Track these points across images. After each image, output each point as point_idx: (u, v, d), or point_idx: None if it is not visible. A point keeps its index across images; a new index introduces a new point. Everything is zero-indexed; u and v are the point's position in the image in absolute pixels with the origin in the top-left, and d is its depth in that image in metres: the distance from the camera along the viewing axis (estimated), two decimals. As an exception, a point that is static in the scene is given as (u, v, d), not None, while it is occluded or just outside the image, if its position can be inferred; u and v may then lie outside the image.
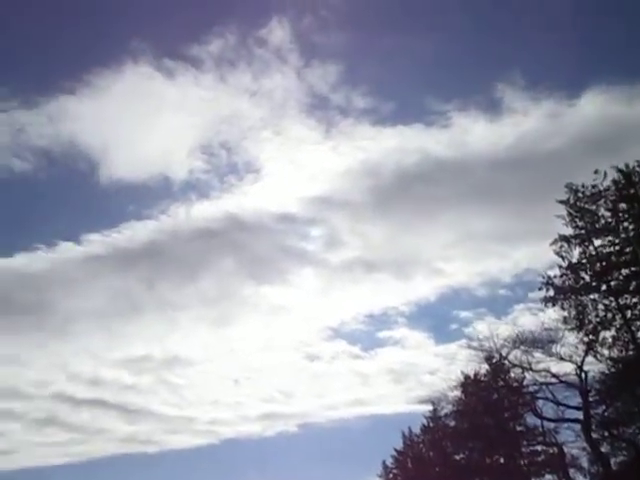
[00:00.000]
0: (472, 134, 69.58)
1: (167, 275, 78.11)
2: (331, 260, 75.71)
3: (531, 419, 33.15)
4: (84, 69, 79.55)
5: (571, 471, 31.92)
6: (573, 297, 25.26)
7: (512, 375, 32.18)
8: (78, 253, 72.99)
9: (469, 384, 33.83)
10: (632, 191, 24.09)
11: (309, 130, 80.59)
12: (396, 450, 40.71)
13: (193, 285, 76.88)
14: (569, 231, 25.46)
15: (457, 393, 34.87)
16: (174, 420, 72.08)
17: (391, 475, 40.99)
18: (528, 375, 30.56)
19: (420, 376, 67.02)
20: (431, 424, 38.55)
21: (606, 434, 28.00)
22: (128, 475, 70.21)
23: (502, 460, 34.34)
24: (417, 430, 40.30)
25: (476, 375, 34.00)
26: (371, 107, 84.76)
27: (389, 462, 41.12)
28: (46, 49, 79.47)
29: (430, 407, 38.18)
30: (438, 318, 74.92)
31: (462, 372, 34.27)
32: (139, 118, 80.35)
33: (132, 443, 71.12)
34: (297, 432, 67.46)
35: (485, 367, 33.09)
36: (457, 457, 37.13)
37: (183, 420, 70.01)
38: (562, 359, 27.80)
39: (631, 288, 24.53)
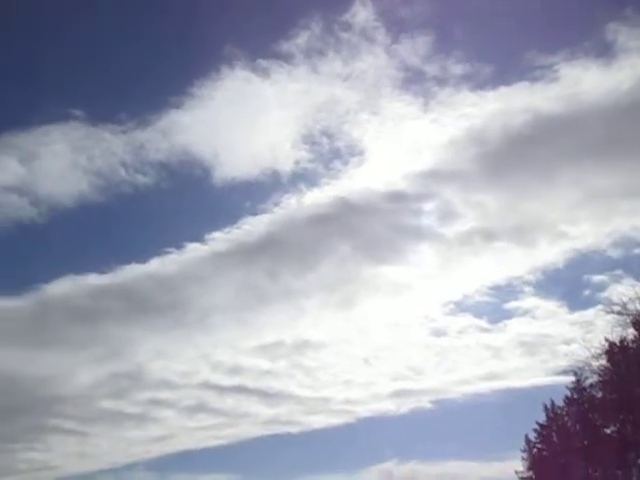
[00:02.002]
0: (584, 84, 64.06)
1: (288, 264, 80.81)
2: (447, 234, 73.82)
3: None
4: (187, 83, 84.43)
5: None
6: None
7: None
8: (204, 252, 78.14)
9: (615, 352, 31.59)
10: None
11: (407, 105, 78.70)
12: (539, 424, 39.04)
13: (314, 272, 78.85)
14: None
15: (602, 362, 32.78)
16: (311, 401, 75.19)
17: (535, 450, 39.43)
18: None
19: (555, 347, 63.66)
20: (575, 396, 36.54)
21: None
22: (275, 454, 74.74)
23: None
24: (559, 403, 38.53)
25: (622, 342, 31.70)
26: (469, 72, 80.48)
27: (532, 436, 39.61)
28: (151, 71, 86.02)
29: (572, 378, 36.30)
30: (569, 284, 70.59)
31: (606, 339, 32.11)
32: (242, 120, 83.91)
33: (275, 425, 75.30)
34: (431, 408, 67.21)
35: (632, 332, 30.73)
36: (607, 430, 35.07)
37: (319, 401, 72.70)
38: None
39: None
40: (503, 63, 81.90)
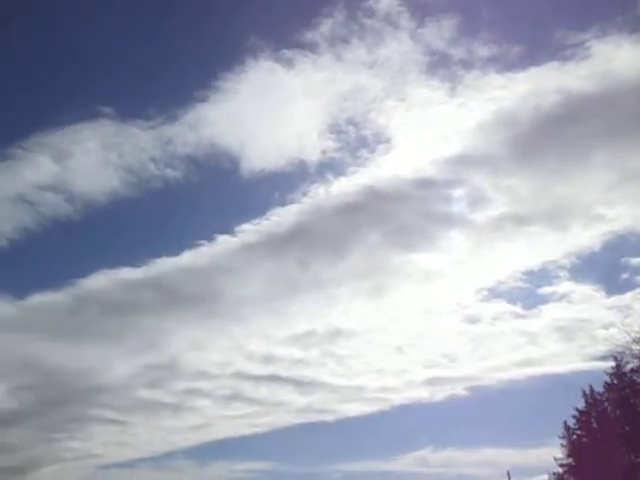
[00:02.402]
0: (616, 61, 61.94)
1: (318, 254, 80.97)
2: (478, 220, 72.75)
3: None
4: (212, 76, 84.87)
5: None
6: None
7: None
8: (234, 244, 78.91)
9: (657, 336, 30.76)
10: None
11: (433, 91, 77.43)
12: (578, 410, 38.38)
13: (344, 261, 78.80)
14: None
15: (643, 346, 31.97)
16: (344, 389, 75.61)
17: (574, 436, 38.80)
18: None
19: (593, 331, 62.43)
20: (615, 381, 35.78)
21: None
22: (310, 442, 75.65)
23: None
24: (598, 388, 37.79)
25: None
26: (496, 54, 78.61)
27: (571, 423, 38.99)
28: (176, 66, 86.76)
29: (611, 363, 35.50)
30: (605, 268, 68.92)
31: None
32: (268, 111, 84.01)
33: (309, 413, 76.08)
34: (466, 395, 66.80)
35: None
36: (650, 416, 34.23)
37: (353, 389, 73.00)
38: None
39: None
40: (532, 43, 79.77)
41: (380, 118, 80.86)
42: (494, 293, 73.13)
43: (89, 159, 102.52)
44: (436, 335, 77.72)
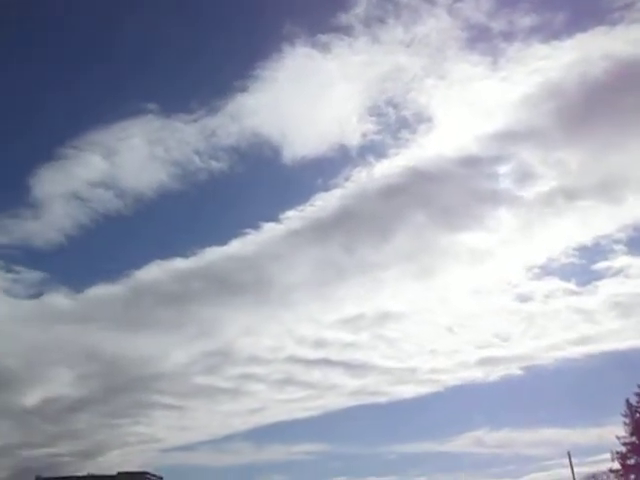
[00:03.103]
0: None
1: (363, 238, 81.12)
2: (526, 196, 71.02)
3: None
4: (250, 66, 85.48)
5: None
6: None
7: None
8: (280, 231, 79.94)
9: None
10: None
11: (474, 66, 75.61)
12: (640, 387, 37.33)
13: (390, 243, 78.82)
14: None
15: None
16: (396, 371, 75.95)
17: (638, 414, 37.71)
18: None
19: (652, 306, 60.47)
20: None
21: None
22: (365, 424, 76.67)
23: None
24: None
25: None
26: (539, 23, 75.94)
27: (634, 401, 37.83)
28: (214, 58, 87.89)
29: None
30: (664, 240, 66.56)
31: None
32: (307, 97, 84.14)
33: (362, 395, 76.98)
34: (521, 375, 66.08)
35: None
36: None
37: (405, 371, 73.30)
38: None
39: None
40: (576, 8, 76.68)
41: (420, 97, 79.59)
42: (546, 270, 71.58)
43: (136, 155, 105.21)
44: (487, 315, 77.11)
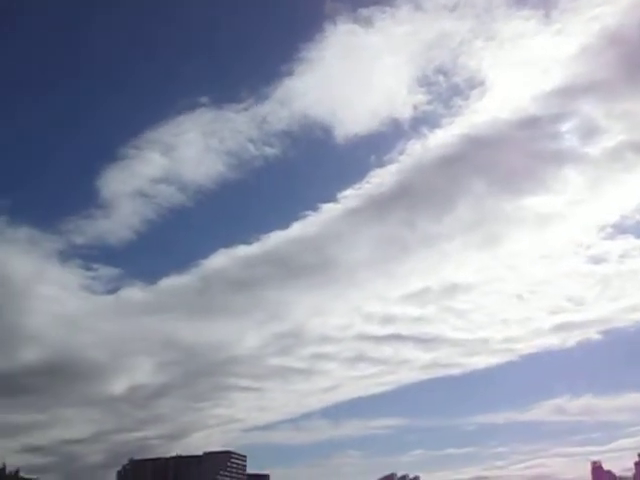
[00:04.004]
0: None
1: (423, 211, 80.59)
2: (592, 153, 67.93)
3: None
4: (294, 49, 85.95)
5: None
6: None
7: None
8: (339, 211, 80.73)
9: None
10: None
11: (525, 22, 72.50)
12: None
13: (451, 214, 77.99)
14: None
15: None
16: (468, 343, 75.60)
17: None
18: None
19: None
20: None
21: None
22: (439, 396, 77.10)
23: None
24: None
25: None
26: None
27: None
28: (259, 45, 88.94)
29: None
30: None
31: None
32: (354, 74, 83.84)
33: (434, 368, 77.32)
34: (600, 339, 63.99)
35: None
36: None
37: (477, 342, 72.82)
38: None
39: None
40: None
41: (470, 62, 77.27)
42: (619, 229, 68.48)
43: (193, 148, 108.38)
44: (559, 280, 75.18)
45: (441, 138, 69.59)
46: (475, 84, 73.81)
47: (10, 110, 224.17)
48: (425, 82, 72.70)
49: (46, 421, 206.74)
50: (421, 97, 69.08)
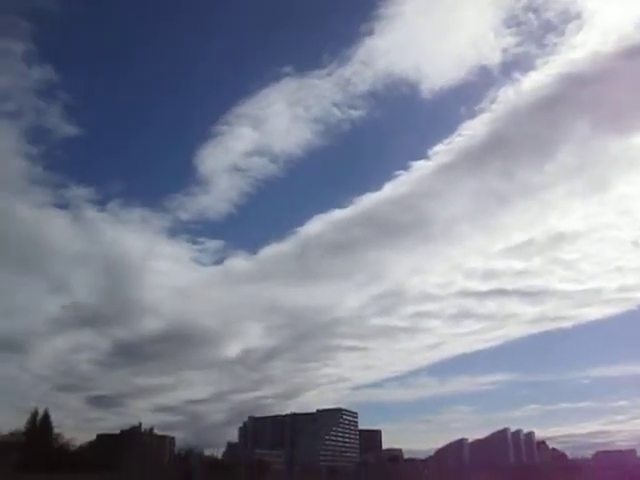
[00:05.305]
0: None
1: (522, 159, 76.97)
2: None
3: None
4: (372, 6, 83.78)
5: None
6: None
7: None
8: (430, 168, 79.15)
9: None
10: None
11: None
12: None
13: (552, 160, 73.96)
14: None
15: None
16: (578, 294, 72.40)
17: None
18: None
19: None
20: None
21: None
22: (549, 350, 74.81)
23: None
24: None
25: None
26: None
27: None
28: (337, 6, 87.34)
29: None
30: None
31: None
32: (436, 24, 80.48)
33: (543, 322, 75.21)
34: None
35: None
36: None
37: (588, 293, 69.58)
38: None
39: None
40: None
41: (564, -7, 71.14)
42: None
43: (280, 119, 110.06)
44: (679, 221, 68.95)
45: (536, 81, 65.47)
46: (570, 17, 68.00)
47: (122, 107, 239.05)
48: (513, 22, 68.20)
49: (172, 384, 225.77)
50: (510, 39, 65.13)
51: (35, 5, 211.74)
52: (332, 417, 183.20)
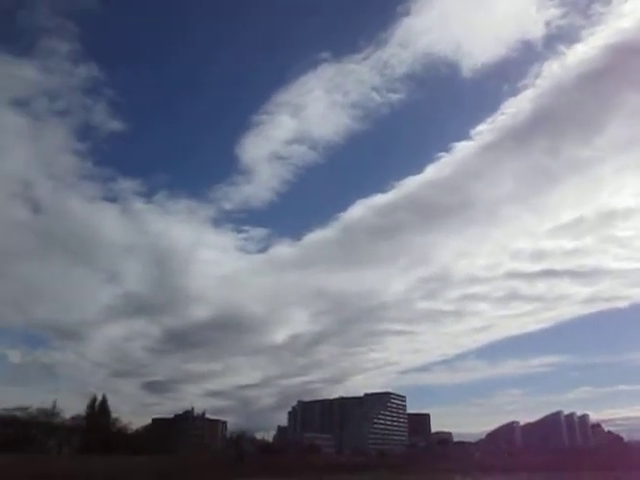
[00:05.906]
0: None
1: (568, 136, 74.08)
2: None
3: None
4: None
5: None
6: None
7: None
8: (473, 148, 77.18)
9: None
10: None
11: None
12: None
13: (601, 135, 70.85)
14: None
15: None
16: (634, 273, 69.73)
17: None
18: None
19: None
20: None
21: None
22: (604, 331, 72.29)
23: None
24: None
25: None
26: None
27: None
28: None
29: None
30: None
31: None
32: (474, 1, 77.49)
33: (596, 302, 72.69)
34: None
35: None
36: None
37: (644, 271, 66.52)
38: None
39: None
40: None
41: (609, -41, 67.67)
42: None
43: (319, 106, 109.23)
44: None
45: (582, 53, 62.09)
46: (617, -15, 63.53)
47: (165, 103, 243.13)
48: (558, -5, 64.39)
49: (221, 369, 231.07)
50: (553, 11, 61.56)
51: (78, 6, 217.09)
52: (380, 400, 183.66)
